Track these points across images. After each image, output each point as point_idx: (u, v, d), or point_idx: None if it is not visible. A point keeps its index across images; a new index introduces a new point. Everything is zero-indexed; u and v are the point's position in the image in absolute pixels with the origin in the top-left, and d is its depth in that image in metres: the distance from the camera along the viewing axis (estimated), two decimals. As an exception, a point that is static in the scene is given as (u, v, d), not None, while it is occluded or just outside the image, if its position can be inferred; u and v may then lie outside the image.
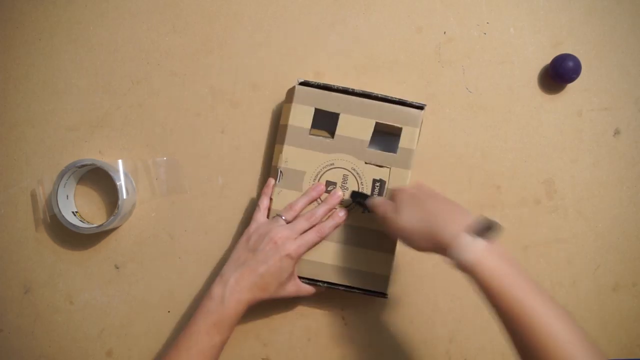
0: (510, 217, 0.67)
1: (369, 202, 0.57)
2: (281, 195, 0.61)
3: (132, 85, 0.68)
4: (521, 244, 0.67)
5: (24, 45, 0.68)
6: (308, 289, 0.60)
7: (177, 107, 0.68)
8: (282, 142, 0.61)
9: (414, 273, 0.67)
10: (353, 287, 0.61)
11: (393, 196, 0.55)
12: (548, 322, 0.41)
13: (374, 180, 0.61)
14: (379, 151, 0.60)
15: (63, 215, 0.62)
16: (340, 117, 0.60)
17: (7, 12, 0.68)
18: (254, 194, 0.67)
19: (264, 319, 0.66)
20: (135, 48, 0.68)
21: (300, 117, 0.60)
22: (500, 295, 0.42)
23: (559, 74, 0.65)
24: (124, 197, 0.62)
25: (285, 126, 0.61)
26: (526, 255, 0.67)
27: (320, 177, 0.61)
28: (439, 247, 0.47)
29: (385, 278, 0.61)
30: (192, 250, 0.67)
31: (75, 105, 0.68)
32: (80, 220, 0.65)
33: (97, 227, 0.62)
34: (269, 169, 0.65)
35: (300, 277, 0.60)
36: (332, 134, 0.61)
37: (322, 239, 0.59)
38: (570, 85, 0.68)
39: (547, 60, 0.67)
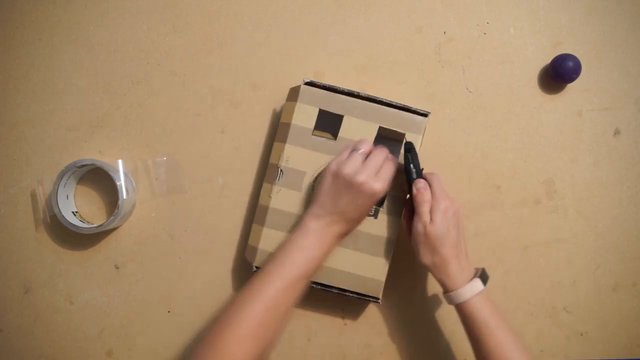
0: (510, 217, 0.67)
1: (417, 179, 0.57)
2: (280, 195, 0.60)
3: (132, 85, 0.68)
4: (521, 244, 0.67)
5: (24, 45, 0.68)
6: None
7: (177, 107, 0.68)
8: (283, 141, 0.61)
9: (414, 273, 0.67)
10: (347, 290, 0.60)
11: (433, 195, 0.56)
12: (505, 344, 0.53)
13: None
14: None
15: (63, 215, 0.62)
16: (344, 119, 0.59)
17: (7, 12, 0.68)
18: (254, 194, 0.67)
19: (264, 319, 0.66)
20: (135, 48, 0.68)
21: (304, 116, 0.60)
22: (484, 328, 0.53)
23: (559, 74, 0.65)
24: (124, 197, 0.62)
25: (288, 125, 0.60)
26: (526, 255, 0.67)
27: (320, 180, 0.61)
28: (444, 276, 0.55)
29: (379, 283, 0.60)
30: (192, 250, 0.67)
31: (75, 105, 0.68)
32: (80, 220, 0.65)
33: (97, 227, 0.62)
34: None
35: None
36: (334, 135, 0.60)
37: (395, 165, 0.57)
38: (570, 85, 0.68)
39: (547, 60, 0.67)
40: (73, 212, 0.65)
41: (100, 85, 0.68)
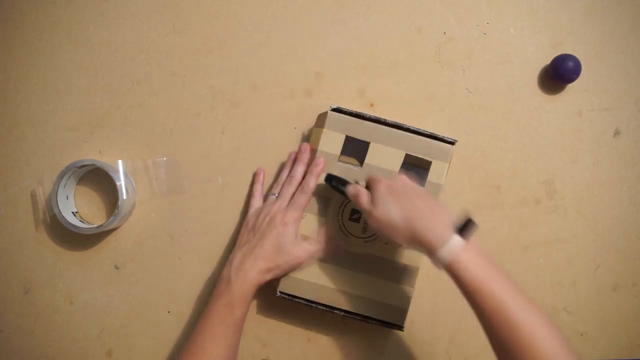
0: (510, 217, 0.67)
1: (346, 188, 0.57)
2: (305, 220, 0.61)
3: (132, 85, 0.68)
4: (521, 244, 0.67)
5: (24, 45, 0.68)
6: (318, 248, 0.58)
7: (177, 107, 0.68)
8: None
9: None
10: (370, 318, 0.60)
11: (370, 185, 0.55)
12: (524, 317, 0.42)
13: None
14: None
15: (63, 216, 0.62)
16: (371, 146, 0.60)
17: (7, 12, 0.68)
18: (254, 194, 0.67)
19: (264, 319, 0.66)
20: (135, 48, 0.68)
21: (331, 143, 0.60)
22: (478, 291, 0.45)
23: (559, 74, 0.65)
24: (124, 197, 0.62)
25: (315, 151, 0.61)
26: (526, 255, 0.67)
27: (346, 205, 0.61)
28: (420, 245, 0.49)
29: (403, 311, 0.60)
30: (192, 250, 0.67)
31: (75, 105, 0.68)
32: (80, 221, 0.65)
33: (97, 227, 0.62)
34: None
35: (318, 304, 0.60)
36: (361, 162, 0.60)
37: (309, 195, 0.59)
38: (570, 85, 0.68)
39: (547, 60, 0.67)
40: (73, 213, 0.65)
41: (100, 85, 0.68)
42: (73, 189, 0.66)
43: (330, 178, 0.60)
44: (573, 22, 0.68)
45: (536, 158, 0.67)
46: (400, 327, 0.60)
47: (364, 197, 0.54)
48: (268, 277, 0.57)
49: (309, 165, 0.61)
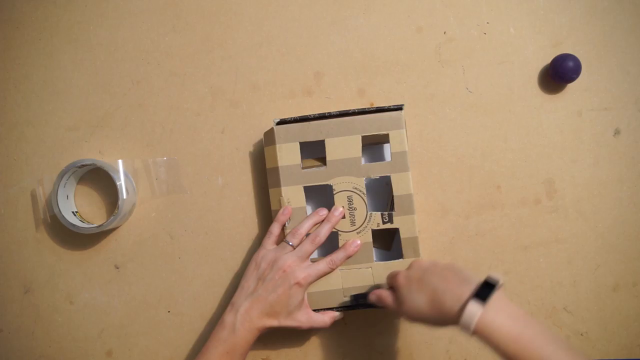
0: (510, 217, 0.67)
1: (369, 299, 0.57)
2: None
3: (132, 85, 0.68)
4: (521, 244, 0.67)
5: (24, 45, 0.68)
6: (322, 320, 0.58)
7: (177, 107, 0.68)
8: (278, 185, 0.60)
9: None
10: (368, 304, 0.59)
11: (392, 283, 0.55)
12: None
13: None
14: (374, 163, 0.60)
15: (63, 215, 0.62)
16: (326, 142, 0.59)
17: (7, 12, 0.68)
18: (254, 194, 0.67)
19: (264, 319, 0.66)
20: (135, 48, 0.68)
21: (288, 155, 0.60)
22: (517, 356, 0.42)
23: (559, 74, 0.65)
24: (124, 197, 0.62)
25: (277, 169, 0.60)
26: (526, 255, 0.67)
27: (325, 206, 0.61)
28: (451, 322, 0.46)
29: None
30: (192, 250, 0.67)
31: (75, 105, 0.68)
32: (80, 220, 0.65)
33: (97, 227, 0.62)
34: (269, 170, 0.65)
35: (324, 309, 0.60)
36: (323, 160, 0.60)
37: (332, 270, 0.59)
38: (570, 85, 0.68)
39: (547, 60, 0.67)
40: (73, 212, 0.65)
41: (100, 85, 0.68)
42: (73, 188, 0.66)
43: (356, 299, 0.59)
44: (573, 22, 0.68)
45: (536, 158, 0.67)
46: None
47: (387, 299, 0.54)
48: (270, 327, 0.56)
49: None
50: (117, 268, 0.67)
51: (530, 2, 0.68)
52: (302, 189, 0.60)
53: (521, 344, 0.42)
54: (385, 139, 0.60)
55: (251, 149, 0.67)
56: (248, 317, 0.55)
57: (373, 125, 0.59)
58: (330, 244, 0.60)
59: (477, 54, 0.68)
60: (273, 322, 0.56)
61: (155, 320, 0.66)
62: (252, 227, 0.67)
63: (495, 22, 0.68)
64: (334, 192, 0.60)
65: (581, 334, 0.66)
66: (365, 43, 0.68)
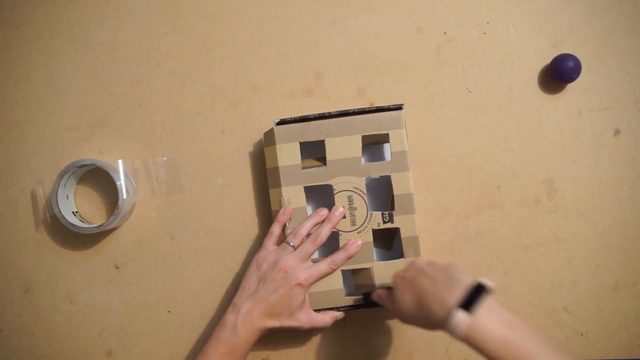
0: (510, 217, 0.67)
1: (373, 298, 0.57)
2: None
3: (132, 85, 0.68)
4: (521, 244, 0.67)
5: (24, 45, 0.68)
6: (323, 320, 0.59)
7: (177, 107, 0.68)
8: (278, 185, 0.60)
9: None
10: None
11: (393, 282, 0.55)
12: None
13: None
14: (374, 163, 0.60)
15: (63, 215, 0.62)
16: (326, 142, 0.59)
17: (7, 12, 0.68)
18: (254, 194, 0.67)
19: (264, 319, 0.66)
20: (135, 48, 0.68)
21: (288, 156, 0.60)
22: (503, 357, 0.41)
23: (559, 74, 0.65)
24: (124, 197, 0.62)
25: (277, 169, 0.60)
26: (526, 255, 0.67)
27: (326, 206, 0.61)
28: (437, 327, 0.46)
29: None
30: (192, 250, 0.67)
31: (75, 105, 0.68)
32: (80, 220, 0.65)
33: (97, 227, 0.62)
34: (269, 170, 0.65)
35: (327, 309, 0.60)
36: (323, 160, 0.60)
37: (334, 270, 0.59)
38: (570, 85, 0.68)
39: (547, 60, 0.67)
40: (73, 212, 0.65)
41: (100, 85, 0.68)
42: (73, 188, 0.66)
43: (365, 298, 0.59)
44: (573, 22, 0.68)
45: (536, 158, 0.67)
46: None
47: (385, 299, 0.54)
48: (271, 327, 0.56)
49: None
50: (117, 268, 0.67)
51: (530, 2, 0.68)
52: (303, 189, 0.60)
53: (511, 350, 0.41)
54: (385, 138, 0.60)
55: (251, 149, 0.67)
56: (249, 317, 0.55)
57: (373, 125, 0.59)
58: (331, 244, 0.60)
59: (477, 54, 0.68)
60: (274, 323, 0.56)
61: (155, 320, 0.66)
62: (252, 227, 0.67)
63: (495, 22, 0.68)
64: (335, 192, 0.60)
65: (581, 334, 0.66)
66: (365, 43, 0.68)
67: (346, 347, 0.66)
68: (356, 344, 0.66)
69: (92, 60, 0.68)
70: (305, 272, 0.57)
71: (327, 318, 0.59)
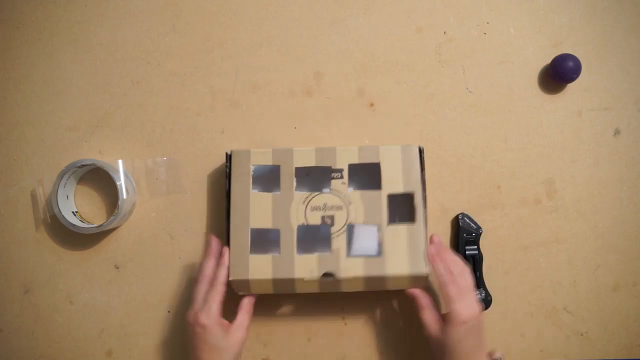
0: (510, 217, 0.67)
1: (410, 292, 0.59)
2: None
3: (132, 85, 0.68)
4: (521, 244, 0.67)
5: (24, 45, 0.68)
6: (242, 320, 0.57)
7: (177, 107, 0.68)
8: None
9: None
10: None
11: (448, 301, 0.55)
12: None
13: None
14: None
15: (63, 215, 0.62)
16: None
17: (7, 12, 0.68)
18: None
19: (264, 319, 0.66)
20: (135, 48, 0.68)
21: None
22: None
23: (559, 74, 0.65)
24: (124, 197, 0.62)
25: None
26: (526, 255, 0.67)
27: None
28: None
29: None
30: (192, 250, 0.67)
31: (75, 105, 0.68)
32: (80, 220, 0.65)
33: (97, 227, 0.62)
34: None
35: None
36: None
37: (222, 287, 0.56)
38: (570, 85, 0.68)
39: (547, 60, 0.67)
40: (73, 212, 0.65)
41: (100, 85, 0.68)
42: (73, 188, 0.66)
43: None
44: (573, 22, 0.68)
45: (536, 158, 0.67)
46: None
47: (430, 318, 0.57)
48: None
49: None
50: (117, 268, 0.67)
51: (530, 2, 0.68)
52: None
53: None
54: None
55: (251, 148, 0.67)
56: None
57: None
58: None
59: (477, 54, 0.68)
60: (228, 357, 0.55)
61: (155, 320, 0.66)
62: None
63: (495, 22, 0.68)
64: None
65: (581, 334, 0.66)
66: (365, 43, 0.68)
67: (346, 347, 0.66)
68: (356, 344, 0.66)
69: (92, 60, 0.68)
70: (201, 314, 0.55)
71: (243, 316, 0.58)
